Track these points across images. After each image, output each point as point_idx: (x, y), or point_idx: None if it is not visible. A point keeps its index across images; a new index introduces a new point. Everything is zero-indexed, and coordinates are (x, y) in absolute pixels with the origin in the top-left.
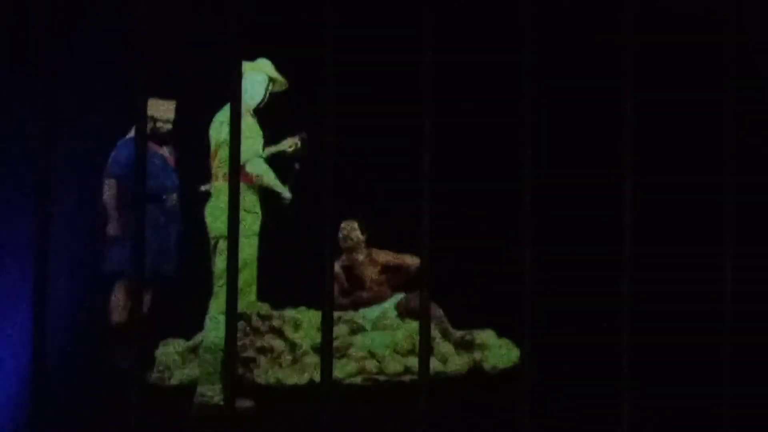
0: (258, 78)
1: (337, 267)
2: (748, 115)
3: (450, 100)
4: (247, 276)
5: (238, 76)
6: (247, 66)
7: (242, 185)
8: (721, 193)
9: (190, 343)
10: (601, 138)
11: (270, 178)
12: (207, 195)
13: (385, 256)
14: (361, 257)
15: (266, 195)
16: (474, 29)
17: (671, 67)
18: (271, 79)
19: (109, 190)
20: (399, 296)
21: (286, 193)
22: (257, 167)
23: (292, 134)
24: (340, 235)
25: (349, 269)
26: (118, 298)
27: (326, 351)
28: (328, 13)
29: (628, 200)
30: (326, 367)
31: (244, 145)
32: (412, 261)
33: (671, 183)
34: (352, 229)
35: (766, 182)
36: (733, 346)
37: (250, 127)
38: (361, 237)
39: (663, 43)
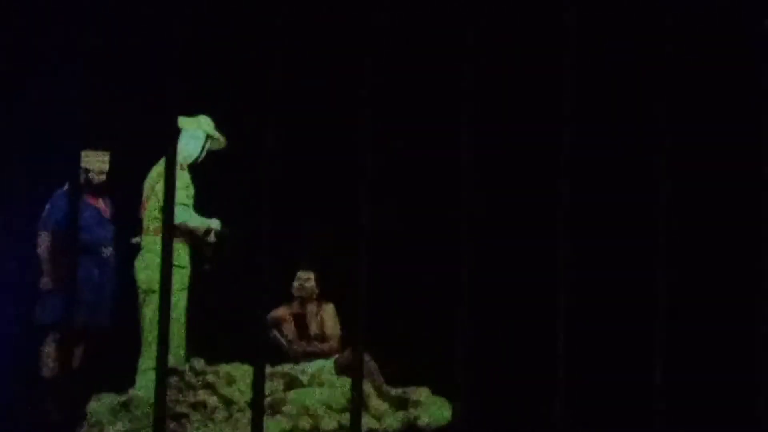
0: (196, 134)
1: (286, 313)
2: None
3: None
4: (176, 331)
5: (175, 134)
6: (186, 122)
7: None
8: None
9: (123, 397)
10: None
11: (193, 222)
12: (139, 247)
13: (327, 316)
14: (311, 308)
15: (197, 248)
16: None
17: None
18: (210, 137)
19: (43, 243)
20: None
21: (213, 224)
22: (178, 216)
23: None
24: (295, 284)
25: (298, 318)
26: (50, 350)
27: (258, 408)
28: (270, 68)
29: (562, 265)
30: (257, 425)
31: None
32: (334, 346)
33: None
34: (307, 279)
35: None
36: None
37: (181, 180)
38: (315, 289)
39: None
